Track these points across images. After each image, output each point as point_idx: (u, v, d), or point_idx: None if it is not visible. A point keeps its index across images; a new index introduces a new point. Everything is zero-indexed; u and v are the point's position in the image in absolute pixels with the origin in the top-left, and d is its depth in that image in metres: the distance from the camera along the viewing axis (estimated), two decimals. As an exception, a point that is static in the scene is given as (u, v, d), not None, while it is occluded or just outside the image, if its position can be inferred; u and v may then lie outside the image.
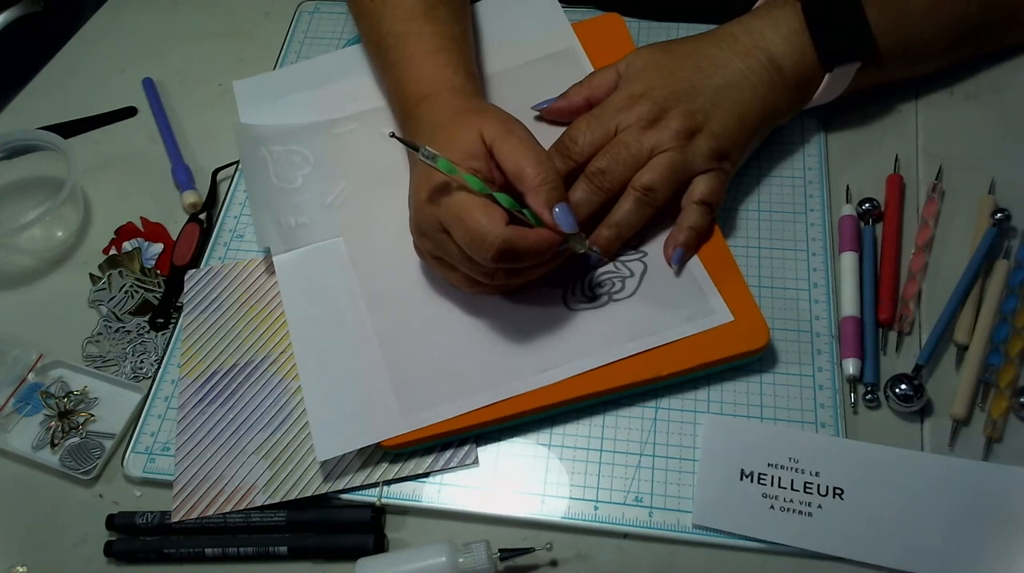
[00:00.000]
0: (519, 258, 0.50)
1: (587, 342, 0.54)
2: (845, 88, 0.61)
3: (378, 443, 0.52)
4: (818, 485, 0.50)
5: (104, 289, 0.64)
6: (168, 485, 0.54)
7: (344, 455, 0.53)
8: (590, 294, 0.57)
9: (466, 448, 0.53)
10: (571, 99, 0.63)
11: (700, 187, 0.57)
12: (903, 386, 0.52)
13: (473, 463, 0.53)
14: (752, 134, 0.60)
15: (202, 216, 0.66)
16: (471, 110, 0.54)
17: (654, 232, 0.59)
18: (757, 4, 0.63)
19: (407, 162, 0.64)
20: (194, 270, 0.62)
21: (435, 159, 0.50)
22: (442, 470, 0.53)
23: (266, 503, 0.52)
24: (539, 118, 0.65)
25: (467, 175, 0.50)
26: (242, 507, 0.52)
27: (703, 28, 0.64)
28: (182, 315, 0.60)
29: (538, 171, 0.51)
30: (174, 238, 0.66)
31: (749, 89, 0.58)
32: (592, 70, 0.66)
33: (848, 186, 0.62)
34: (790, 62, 0.59)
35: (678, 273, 0.57)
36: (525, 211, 0.51)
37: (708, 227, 0.58)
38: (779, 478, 0.50)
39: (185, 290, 0.61)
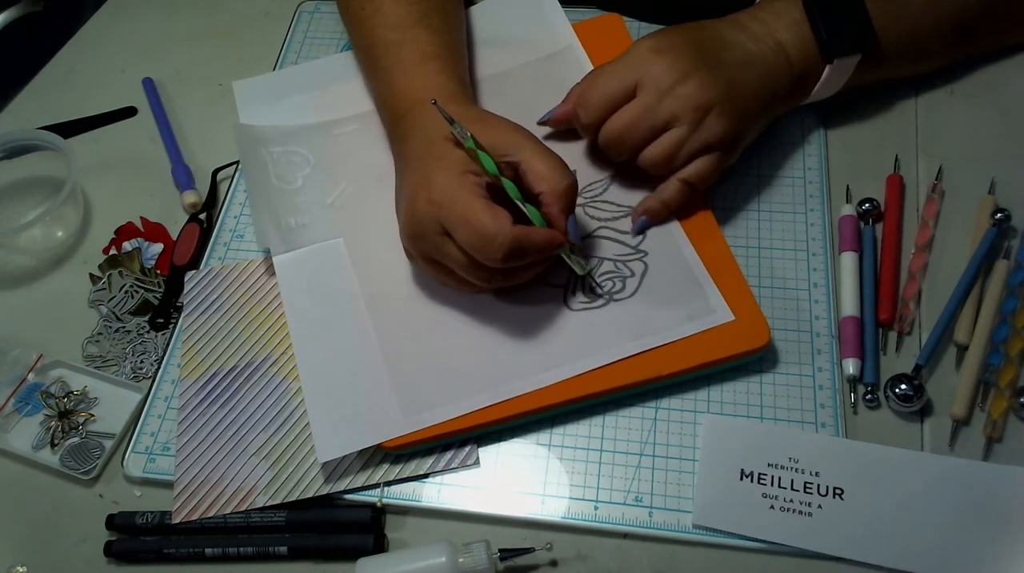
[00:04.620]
0: (526, 256, 0.51)
1: (588, 342, 0.54)
2: (844, 83, 0.61)
3: (379, 444, 0.52)
4: (818, 485, 0.50)
5: (104, 289, 0.64)
6: (168, 485, 0.54)
7: (345, 456, 0.53)
8: (590, 294, 0.57)
9: (467, 449, 0.53)
10: (572, 101, 0.63)
11: (692, 167, 0.57)
12: (903, 386, 0.52)
13: (474, 464, 0.53)
14: (757, 118, 0.59)
15: (202, 216, 0.66)
16: (470, 118, 0.54)
17: (655, 232, 0.59)
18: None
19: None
20: (194, 271, 0.62)
21: (465, 139, 0.52)
22: (443, 471, 0.53)
23: (267, 504, 0.52)
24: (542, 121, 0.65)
25: (483, 155, 0.52)
26: (243, 508, 0.52)
27: None
28: (182, 316, 0.60)
29: (563, 177, 0.53)
30: (174, 238, 0.66)
31: (762, 71, 0.58)
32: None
33: (848, 186, 0.62)
34: (795, 50, 0.59)
35: (634, 236, 0.58)
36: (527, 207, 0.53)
37: (681, 204, 0.58)
38: (779, 478, 0.50)
39: (185, 291, 0.61)
